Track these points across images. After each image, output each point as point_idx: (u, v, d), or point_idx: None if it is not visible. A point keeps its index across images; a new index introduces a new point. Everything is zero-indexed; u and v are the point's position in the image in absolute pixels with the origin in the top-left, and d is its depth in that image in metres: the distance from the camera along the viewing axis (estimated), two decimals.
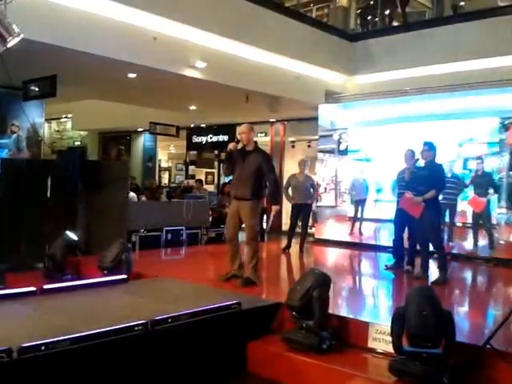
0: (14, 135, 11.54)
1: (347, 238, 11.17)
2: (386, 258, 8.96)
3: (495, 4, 11.25)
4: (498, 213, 9.25)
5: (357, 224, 11.24)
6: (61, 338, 3.65)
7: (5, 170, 8.50)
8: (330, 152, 11.69)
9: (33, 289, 5.27)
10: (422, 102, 10.26)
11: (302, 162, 9.78)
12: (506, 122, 8.82)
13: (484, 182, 9.18)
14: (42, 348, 3.53)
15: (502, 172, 9.24)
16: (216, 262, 9.04)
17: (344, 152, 11.45)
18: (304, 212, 9.69)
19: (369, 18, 13.87)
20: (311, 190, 9.68)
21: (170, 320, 4.30)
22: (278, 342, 4.75)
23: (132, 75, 9.95)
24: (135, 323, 4.09)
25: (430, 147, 7.11)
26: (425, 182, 6.99)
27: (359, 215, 11.17)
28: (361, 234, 11.16)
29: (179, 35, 9.14)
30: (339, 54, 12.17)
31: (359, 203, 11.12)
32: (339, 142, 11.48)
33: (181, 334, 4.38)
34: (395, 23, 13.40)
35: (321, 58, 11.59)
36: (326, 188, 11.53)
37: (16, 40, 4.66)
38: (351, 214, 11.27)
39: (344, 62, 12.23)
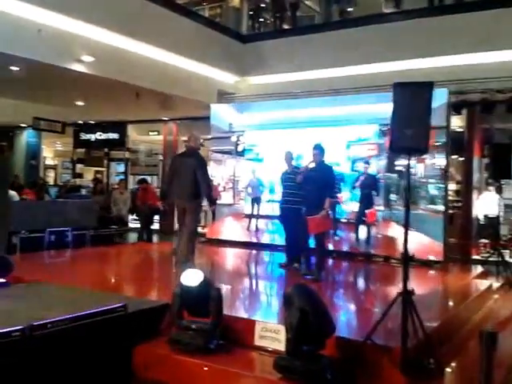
0: None
1: (240, 238, 11.32)
2: (278, 257, 9.10)
3: (380, 11, 11.81)
4: (376, 210, 9.94)
5: (253, 221, 11.49)
6: None
7: None
8: (228, 153, 11.97)
9: None
10: (309, 109, 10.63)
11: None
12: (384, 129, 9.42)
13: (369, 184, 9.86)
14: None
15: (380, 173, 10.07)
16: (101, 265, 8.75)
17: (241, 153, 11.76)
18: None
19: (260, 20, 14.06)
20: None
21: (49, 325, 4.10)
22: (166, 344, 4.67)
23: (15, 68, 9.49)
24: (12, 329, 3.87)
25: (320, 150, 7.34)
26: (314, 181, 7.20)
27: (255, 212, 11.43)
28: (257, 229, 11.45)
29: (66, 28, 8.83)
30: (231, 54, 12.26)
31: (255, 201, 11.40)
32: (237, 144, 11.68)
33: (62, 339, 4.19)
34: (286, 26, 13.67)
35: (212, 58, 11.63)
36: (224, 187, 11.87)
37: None
38: (248, 211, 11.56)
39: (235, 62, 12.34)
